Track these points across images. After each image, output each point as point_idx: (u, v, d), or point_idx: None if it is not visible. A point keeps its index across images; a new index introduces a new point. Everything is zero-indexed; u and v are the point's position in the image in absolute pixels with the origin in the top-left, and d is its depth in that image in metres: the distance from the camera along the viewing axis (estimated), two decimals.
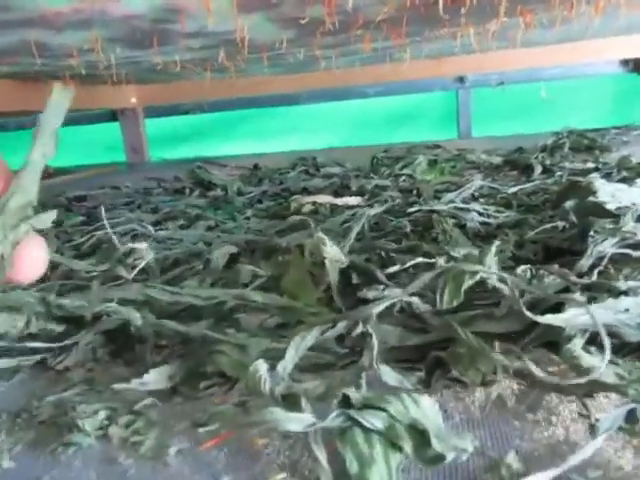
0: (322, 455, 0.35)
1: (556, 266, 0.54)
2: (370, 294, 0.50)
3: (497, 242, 0.52)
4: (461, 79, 1.98)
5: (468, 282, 0.44)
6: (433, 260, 0.60)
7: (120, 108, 2.13)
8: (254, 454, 0.39)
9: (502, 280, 0.44)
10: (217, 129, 2.32)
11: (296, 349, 0.46)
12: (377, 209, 0.87)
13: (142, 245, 0.64)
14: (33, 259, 0.27)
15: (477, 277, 0.45)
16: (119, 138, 2.20)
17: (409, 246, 0.67)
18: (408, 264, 0.57)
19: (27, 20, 0.58)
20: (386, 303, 0.45)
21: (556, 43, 1.51)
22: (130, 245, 0.66)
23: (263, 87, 1.93)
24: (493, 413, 0.41)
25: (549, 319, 0.40)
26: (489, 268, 0.46)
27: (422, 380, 0.46)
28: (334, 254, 0.54)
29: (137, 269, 0.68)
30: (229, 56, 0.94)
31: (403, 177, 1.50)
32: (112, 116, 2.21)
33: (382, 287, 0.50)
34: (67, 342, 0.60)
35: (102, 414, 0.45)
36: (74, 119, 2.27)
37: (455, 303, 0.44)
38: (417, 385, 0.45)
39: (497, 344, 0.38)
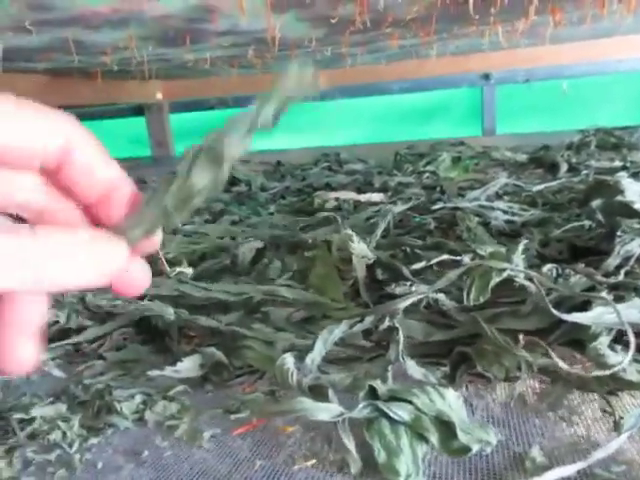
0: (351, 444, 0.36)
1: (582, 265, 0.54)
2: (397, 290, 0.51)
3: (524, 240, 0.53)
4: (486, 76, 1.96)
5: (495, 279, 0.45)
6: (459, 257, 0.60)
7: (146, 103, 2.17)
8: (283, 441, 0.40)
9: (529, 278, 0.44)
10: None
11: (324, 342, 0.47)
12: (402, 206, 0.87)
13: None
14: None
15: (504, 274, 0.45)
16: (143, 132, 2.23)
17: (434, 243, 0.67)
18: (433, 261, 0.58)
19: (68, 19, 0.60)
20: (413, 299, 0.46)
21: (585, 40, 1.49)
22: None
23: None
24: (515, 411, 0.42)
25: (575, 317, 0.41)
26: (516, 266, 0.47)
27: (447, 375, 0.47)
28: (361, 250, 0.55)
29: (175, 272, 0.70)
30: (258, 53, 0.95)
31: (427, 174, 1.49)
32: (138, 110, 2.25)
33: (409, 283, 0.51)
34: (101, 332, 0.62)
35: (138, 398, 0.47)
36: (101, 113, 2.32)
37: (482, 300, 0.45)
38: (442, 380, 0.46)
39: (521, 338, 0.38)
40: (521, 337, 0.38)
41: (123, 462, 0.39)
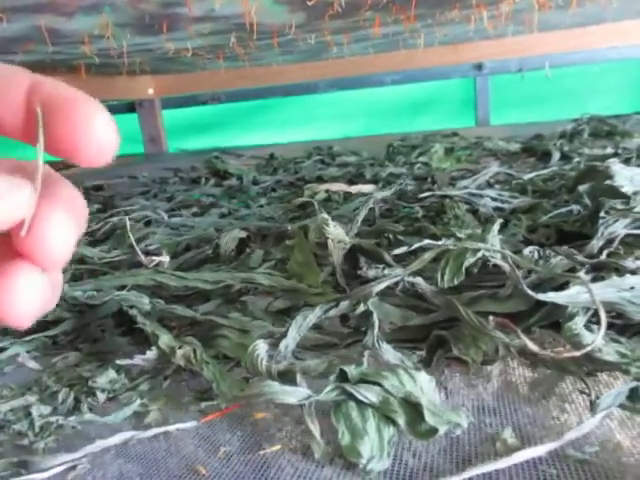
0: (315, 427, 0.35)
1: (564, 247, 0.53)
2: (370, 273, 0.50)
3: (499, 220, 0.51)
4: (479, 66, 1.95)
5: (469, 260, 0.44)
6: (440, 242, 0.59)
7: (138, 99, 2.15)
8: (253, 427, 0.39)
9: (504, 258, 0.43)
10: (234, 119, 2.33)
11: (298, 328, 0.46)
12: (386, 192, 0.86)
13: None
14: None
15: (479, 255, 0.44)
16: (136, 129, 2.22)
17: (416, 228, 0.66)
18: (414, 246, 0.57)
19: (39, 5, 0.59)
20: (387, 282, 0.45)
21: (574, 27, 1.47)
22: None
23: (279, 77, 1.93)
24: (505, 399, 0.40)
25: (550, 297, 0.40)
26: (492, 246, 0.46)
27: (423, 359, 0.46)
28: (337, 234, 0.54)
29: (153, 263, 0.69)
30: (240, 42, 0.94)
31: (418, 165, 1.49)
32: (130, 107, 2.24)
33: (382, 266, 0.50)
34: (78, 324, 0.61)
35: (108, 386, 0.46)
36: None
37: (456, 281, 0.44)
38: (418, 364, 0.45)
39: (491, 320, 0.37)
40: (491, 318, 0.37)
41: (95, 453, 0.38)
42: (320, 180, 1.46)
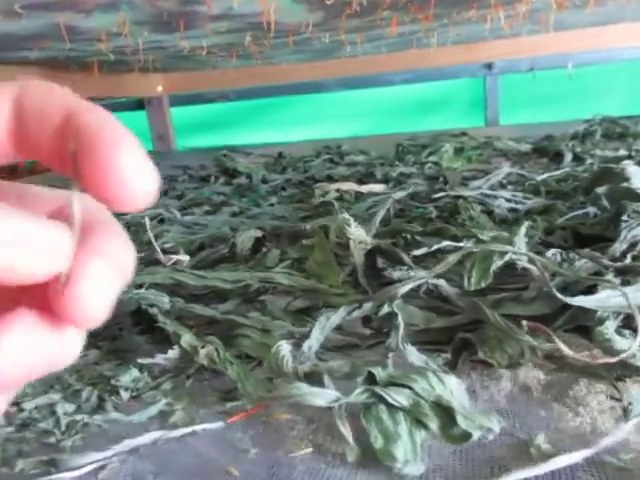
0: (346, 430, 0.35)
1: (587, 250, 0.53)
2: (395, 275, 0.49)
3: (527, 222, 0.51)
4: (489, 65, 1.94)
5: (497, 263, 0.44)
6: (460, 244, 0.59)
7: (146, 97, 2.15)
8: (279, 429, 0.39)
9: (532, 261, 0.43)
10: (242, 117, 2.33)
11: (321, 329, 0.46)
12: (402, 193, 0.86)
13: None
14: None
15: (506, 258, 0.44)
16: (144, 126, 2.22)
17: (436, 229, 0.66)
18: (434, 247, 0.56)
19: (58, 2, 0.59)
20: (411, 284, 0.45)
21: (590, 27, 1.46)
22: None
23: (288, 75, 1.93)
24: (519, 401, 0.40)
25: (580, 301, 0.39)
26: (518, 249, 0.45)
27: (448, 362, 0.45)
28: (359, 235, 0.54)
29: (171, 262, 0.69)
30: (255, 40, 0.93)
31: (429, 165, 1.48)
32: (138, 105, 2.24)
33: (406, 268, 0.50)
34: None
35: (132, 385, 0.46)
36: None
37: (483, 284, 0.44)
38: (443, 367, 0.45)
39: (524, 324, 0.37)
40: (524, 323, 0.36)
41: (124, 454, 0.38)
42: (330, 179, 1.45)
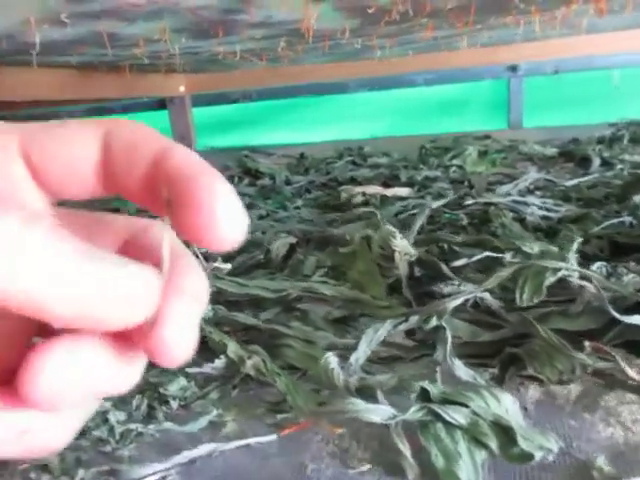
0: (405, 448, 0.35)
1: (633, 264, 0.52)
2: (446, 289, 0.49)
3: (579, 239, 0.51)
4: (513, 67, 1.92)
5: (550, 279, 0.43)
6: (500, 255, 0.59)
7: (168, 97, 2.17)
8: (332, 443, 0.39)
9: (584, 277, 0.43)
10: (264, 117, 2.34)
11: (368, 342, 0.46)
12: (438, 202, 0.85)
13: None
14: None
15: (559, 274, 0.44)
16: (165, 126, 2.23)
17: (476, 240, 0.66)
18: (474, 258, 0.56)
19: (104, 11, 0.60)
20: (462, 298, 0.45)
21: (619, 30, 1.44)
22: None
23: (311, 75, 1.92)
24: (548, 412, 0.40)
25: (636, 319, 0.39)
26: (571, 265, 0.45)
27: (495, 376, 0.45)
28: (403, 247, 0.54)
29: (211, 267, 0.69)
30: (289, 46, 0.94)
31: (453, 168, 1.47)
32: (160, 104, 2.25)
33: (458, 282, 0.50)
34: None
35: (179, 394, 0.46)
36: (124, 107, 2.33)
37: (536, 300, 0.44)
38: (490, 381, 0.45)
39: (587, 345, 0.37)
40: (587, 344, 0.36)
41: (180, 466, 0.38)
42: (353, 181, 1.45)
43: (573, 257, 0.47)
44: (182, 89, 2.13)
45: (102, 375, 0.16)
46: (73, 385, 0.15)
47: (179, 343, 0.15)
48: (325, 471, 0.36)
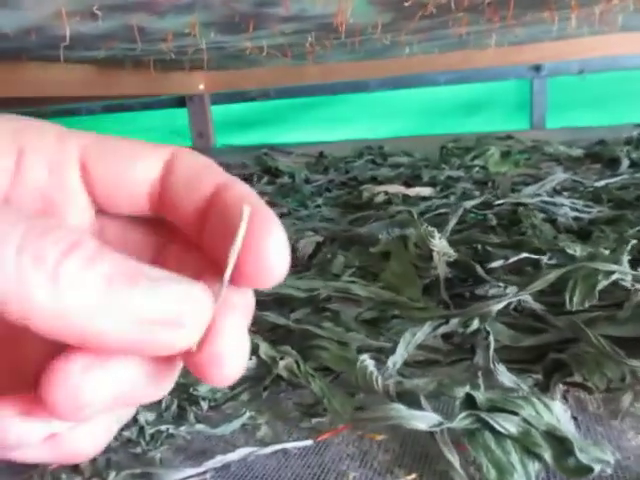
0: (453, 457, 0.33)
1: None
2: (491, 291, 0.48)
3: (633, 241, 0.49)
4: (537, 67, 1.89)
5: (602, 282, 0.41)
6: (538, 257, 0.57)
7: (188, 94, 2.16)
8: (373, 450, 0.37)
9: (638, 280, 0.41)
10: (283, 116, 2.33)
11: (406, 345, 0.44)
12: (472, 202, 0.84)
13: None
14: None
15: (612, 277, 0.42)
16: (184, 124, 2.23)
17: (515, 241, 0.64)
18: (512, 259, 0.54)
19: (136, 4, 0.59)
20: (506, 301, 0.43)
21: None
22: None
23: (331, 74, 1.91)
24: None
25: None
26: (625, 269, 0.43)
27: (539, 383, 0.44)
28: (442, 247, 0.52)
29: None
30: (317, 41, 0.93)
31: (476, 168, 1.45)
32: (179, 102, 2.25)
33: (504, 285, 0.48)
34: None
35: (209, 395, 0.45)
36: (144, 104, 2.33)
37: (587, 304, 0.42)
38: (533, 388, 0.43)
39: None
40: None
41: (215, 470, 0.37)
42: (373, 181, 1.43)
43: (625, 260, 0.45)
44: (201, 87, 2.12)
45: (133, 385, 0.15)
46: (100, 398, 0.14)
47: (232, 360, 0.15)
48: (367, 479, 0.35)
